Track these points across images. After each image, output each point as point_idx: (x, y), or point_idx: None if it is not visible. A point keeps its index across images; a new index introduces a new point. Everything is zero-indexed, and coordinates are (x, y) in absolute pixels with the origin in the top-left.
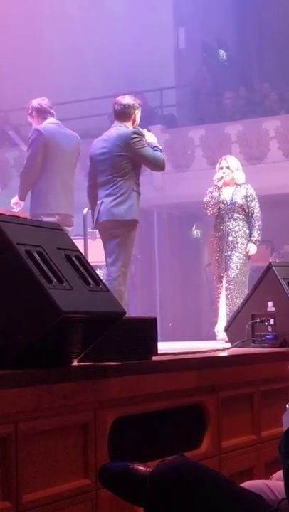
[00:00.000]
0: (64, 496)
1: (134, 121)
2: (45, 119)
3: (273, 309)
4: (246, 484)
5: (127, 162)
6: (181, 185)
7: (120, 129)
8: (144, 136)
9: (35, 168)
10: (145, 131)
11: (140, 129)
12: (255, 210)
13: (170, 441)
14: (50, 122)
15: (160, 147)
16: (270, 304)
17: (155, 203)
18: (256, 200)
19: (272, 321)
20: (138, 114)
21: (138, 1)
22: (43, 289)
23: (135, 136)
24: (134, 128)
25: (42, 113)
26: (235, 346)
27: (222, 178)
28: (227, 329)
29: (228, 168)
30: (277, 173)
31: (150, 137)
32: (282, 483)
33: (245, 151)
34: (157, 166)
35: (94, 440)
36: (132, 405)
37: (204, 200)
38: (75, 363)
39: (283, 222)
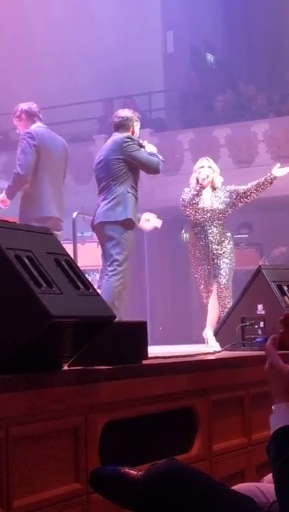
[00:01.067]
0: (55, 500)
1: (132, 133)
2: (34, 122)
3: (263, 312)
4: (237, 487)
5: (122, 165)
6: (170, 188)
7: (115, 136)
8: (143, 146)
9: (30, 171)
10: (145, 143)
11: (141, 141)
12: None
13: (161, 445)
14: (38, 126)
15: (160, 156)
16: (260, 306)
17: (144, 207)
18: (234, 186)
19: (262, 324)
20: (137, 126)
21: (126, 5)
22: (32, 294)
23: (128, 140)
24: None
25: (31, 116)
26: (225, 349)
27: (208, 176)
28: (217, 332)
29: (210, 167)
30: None
31: (150, 148)
32: (273, 486)
33: (234, 155)
34: (152, 168)
35: (85, 444)
36: (123, 409)
37: (184, 197)
38: (66, 367)
39: (272, 226)
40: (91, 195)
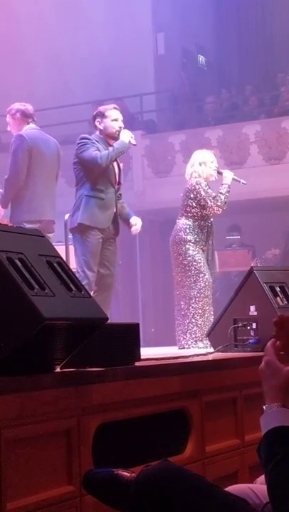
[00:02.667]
0: (48, 502)
1: (100, 130)
2: (28, 123)
3: (255, 313)
4: (231, 488)
5: (79, 168)
6: (161, 190)
7: None
8: (95, 141)
9: (22, 175)
10: (123, 131)
11: (117, 128)
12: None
13: (154, 447)
14: (32, 128)
15: (133, 142)
16: (252, 308)
17: (136, 209)
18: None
19: (254, 325)
20: (106, 121)
21: (117, 8)
22: (25, 296)
23: (80, 141)
24: (105, 135)
25: (26, 117)
26: (217, 351)
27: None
28: (209, 334)
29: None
30: (258, 178)
31: (123, 135)
32: (266, 487)
33: (226, 156)
34: (93, 164)
35: (78, 446)
36: (116, 411)
37: (209, 191)
38: (58, 369)
39: (264, 227)
40: None
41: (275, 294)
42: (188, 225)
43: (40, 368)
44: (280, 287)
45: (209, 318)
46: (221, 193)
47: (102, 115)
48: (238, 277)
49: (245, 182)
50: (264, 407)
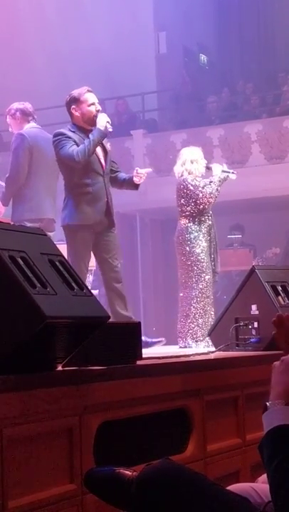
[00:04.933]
0: (50, 501)
1: (77, 117)
2: (28, 122)
3: (257, 312)
4: (232, 487)
5: (60, 166)
6: (163, 189)
7: None
8: (71, 133)
9: (22, 174)
10: (100, 116)
11: (96, 111)
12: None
13: (155, 446)
14: (33, 127)
15: (109, 128)
16: (254, 307)
17: (137, 208)
18: None
19: (255, 324)
20: (82, 106)
21: (119, 6)
22: (27, 294)
23: (54, 138)
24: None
25: (26, 115)
26: (219, 350)
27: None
28: (211, 333)
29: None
30: (259, 177)
31: (98, 121)
32: (268, 486)
33: (227, 155)
34: (71, 162)
35: (79, 445)
36: (117, 410)
37: (196, 183)
38: (60, 368)
39: (266, 226)
40: None
41: (277, 293)
42: (188, 224)
43: (41, 366)
44: (281, 286)
45: (210, 318)
46: (212, 181)
47: (78, 101)
48: (239, 276)
49: (235, 172)
50: (267, 403)
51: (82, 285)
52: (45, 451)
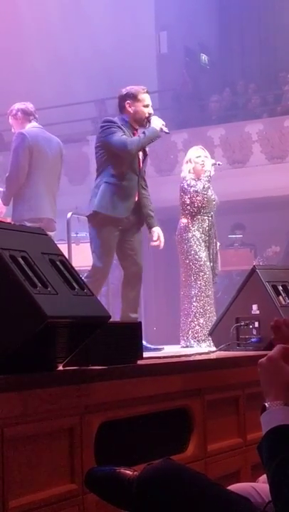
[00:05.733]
0: (51, 501)
1: (129, 113)
2: (30, 121)
3: (258, 312)
4: (233, 487)
5: (102, 153)
6: (164, 189)
7: None
8: (148, 121)
9: (22, 173)
10: (154, 117)
11: (148, 113)
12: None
13: (156, 445)
14: (34, 127)
15: (165, 130)
16: (255, 307)
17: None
18: None
19: (256, 324)
20: (138, 104)
21: (120, 6)
22: (27, 294)
23: (104, 124)
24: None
25: (28, 115)
26: (220, 350)
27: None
28: (212, 333)
29: (206, 157)
30: (260, 177)
31: (154, 122)
32: (268, 486)
33: (228, 155)
34: (121, 150)
35: (80, 445)
36: (118, 409)
37: (192, 184)
38: (61, 367)
39: (266, 226)
40: (85, 196)
41: (278, 293)
42: (186, 223)
43: (42, 366)
44: (282, 286)
45: (211, 318)
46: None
47: (135, 97)
48: (239, 276)
49: (220, 163)
50: (266, 404)
51: (82, 285)
52: (45, 450)
